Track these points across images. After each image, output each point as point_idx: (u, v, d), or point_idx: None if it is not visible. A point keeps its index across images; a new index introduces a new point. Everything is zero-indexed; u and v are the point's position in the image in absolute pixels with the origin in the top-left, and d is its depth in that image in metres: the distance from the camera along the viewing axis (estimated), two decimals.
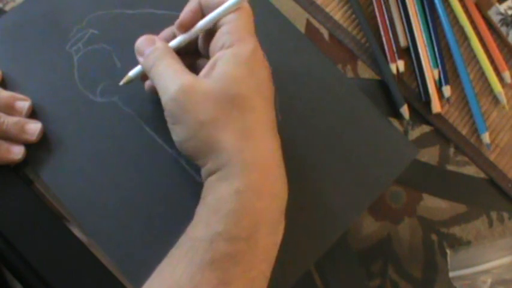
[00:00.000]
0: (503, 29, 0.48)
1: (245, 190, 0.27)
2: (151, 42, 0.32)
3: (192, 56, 0.35)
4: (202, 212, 0.28)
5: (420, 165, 0.42)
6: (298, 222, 0.35)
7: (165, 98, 0.29)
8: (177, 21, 0.32)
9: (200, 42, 0.34)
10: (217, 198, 0.28)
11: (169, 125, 0.30)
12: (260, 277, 0.28)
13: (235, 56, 0.29)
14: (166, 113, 0.30)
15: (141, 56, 0.32)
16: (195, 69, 0.31)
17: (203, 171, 0.30)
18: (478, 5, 0.48)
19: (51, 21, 0.38)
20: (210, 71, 0.30)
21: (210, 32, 0.31)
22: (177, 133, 0.30)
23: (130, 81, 0.34)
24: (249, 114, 0.29)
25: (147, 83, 0.35)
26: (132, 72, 0.34)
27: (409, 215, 0.41)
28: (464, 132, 0.44)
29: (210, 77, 0.29)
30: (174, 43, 0.32)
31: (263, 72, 0.30)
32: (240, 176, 0.28)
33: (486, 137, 0.44)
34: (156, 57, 0.31)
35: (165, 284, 0.27)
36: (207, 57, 0.32)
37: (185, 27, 0.32)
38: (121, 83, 0.34)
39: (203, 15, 0.32)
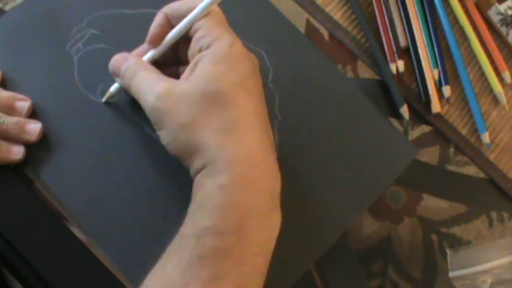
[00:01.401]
0: (503, 29, 0.48)
1: (229, 184, 0.28)
2: (123, 59, 0.33)
3: (176, 65, 0.35)
4: (190, 209, 0.29)
5: (420, 165, 0.42)
6: (298, 222, 0.35)
7: (145, 109, 0.31)
8: (147, 37, 0.33)
9: (180, 50, 0.34)
10: (203, 195, 0.28)
11: (157, 132, 0.31)
12: (254, 272, 0.28)
13: (212, 54, 0.30)
14: (151, 122, 0.31)
15: (117, 77, 0.33)
16: (179, 77, 0.32)
17: (191, 171, 0.30)
18: (478, 5, 0.48)
19: (51, 21, 0.38)
20: (190, 74, 0.30)
21: (189, 40, 0.32)
22: (163, 138, 0.30)
23: (112, 96, 0.35)
24: (230, 110, 0.29)
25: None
26: (113, 88, 0.35)
27: (409, 215, 0.41)
28: (464, 132, 0.44)
29: (188, 79, 0.30)
30: (145, 58, 0.33)
31: (244, 65, 0.30)
32: (224, 171, 0.28)
33: (486, 137, 0.44)
34: (130, 74, 0.32)
35: (157, 283, 0.27)
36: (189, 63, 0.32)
37: (155, 42, 0.33)
38: (103, 99, 0.36)
39: (172, 27, 0.32)
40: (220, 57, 0.30)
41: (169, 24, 0.33)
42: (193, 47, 0.31)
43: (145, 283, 0.28)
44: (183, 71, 0.31)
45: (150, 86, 0.30)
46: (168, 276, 0.26)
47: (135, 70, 0.32)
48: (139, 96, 0.31)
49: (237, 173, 0.28)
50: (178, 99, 0.29)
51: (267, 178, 0.29)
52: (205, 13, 0.31)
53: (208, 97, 0.29)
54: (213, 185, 0.28)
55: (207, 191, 0.28)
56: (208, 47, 0.30)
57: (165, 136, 0.30)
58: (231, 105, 0.29)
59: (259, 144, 0.29)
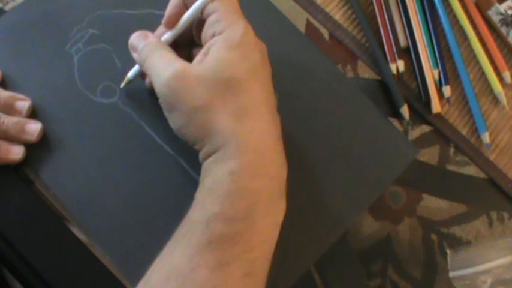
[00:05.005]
0: (503, 29, 0.48)
1: (239, 171, 0.28)
2: (144, 37, 0.33)
3: (189, 46, 0.35)
4: (199, 194, 0.29)
5: (420, 165, 0.42)
6: (298, 222, 0.35)
7: (158, 86, 0.30)
8: (164, 18, 0.33)
9: (194, 32, 0.34)
10: (213, 180, 0.28)
11: (165, 113, 0.31)
12: (261, 259, 0.28)
13: (226, 40, 0.30)
14: (160, 101, 0.30)
15: (135, 52, 0.33)
16: (191, 59, 0.32)
17: (201, 155, 0.30)
18: (478, 5, 0.48)
19: (51, 21, 0.38)
20: (203, 58, 0.30)
21: (203, 22, 0.32)
22: (174, 120, 0.30)
23: (130, 82, 0.35)
24: (243, 96, 0.29)
25: (148, 80, 0.36)
26: (130, 74, 0.35)
27: (409, 215, 0.41)
28: (464, 132, 0.44)
29: (203, 63, 0.30)
30: (163, 39, 0.33)
31: (256, 54, 0.31)
32: (235, 157, 0.28)
33: (486, 137, 0.44)
34: (148, 50, 0.32)
35: (165, 268, 0.27)
36: (202, 46, 0.32)
37: (171, 23, 0.33)
38: (122, 85, 0.36)
39: (187, 9, 0.32)
40: (234, 44, 0.30)
41: (185, 5, 0.33)
42: (206, 30, 0.31)
43: (153, 267, 0.28)
44: (197, 53, 0.31)
45: (166, 64, 0.30)
46: (176, 261, 0.27)
47: (153, 48, 0.32)
48: (152, 73, 0.31)
49: (247, 160, 0.28)
50: (192, 82, 0.29)
51: (276, 166, 0.30)
52: None
53: (222, 82, 0.29)
54: (223, 170, 0.28)
55: (216, 176, 0.28)
56: (221, 32, 0.30)
57: (176, 118, 0.30)
58: (243, 92, 0.29)
59: (268, 132, 0.30)
